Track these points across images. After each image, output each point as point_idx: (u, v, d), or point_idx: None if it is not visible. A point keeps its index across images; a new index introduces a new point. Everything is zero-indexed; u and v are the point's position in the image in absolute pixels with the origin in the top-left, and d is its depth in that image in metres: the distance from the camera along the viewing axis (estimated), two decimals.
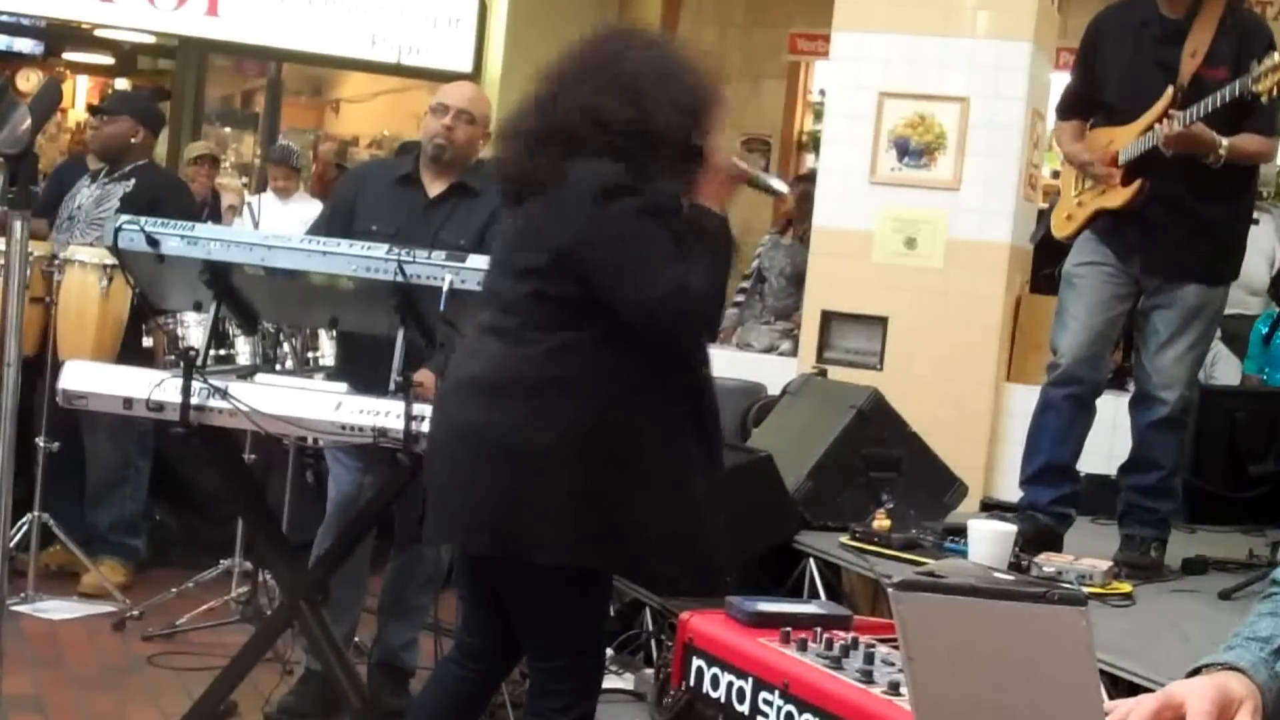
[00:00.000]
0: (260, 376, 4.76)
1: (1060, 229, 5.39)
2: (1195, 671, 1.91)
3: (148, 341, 5.97)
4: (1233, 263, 5.19)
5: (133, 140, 6.70)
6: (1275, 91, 4.72)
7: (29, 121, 3.06)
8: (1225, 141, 4.83)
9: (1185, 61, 5.00)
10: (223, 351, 5.11)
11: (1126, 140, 5.09)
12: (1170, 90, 4.97)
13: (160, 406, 4.52)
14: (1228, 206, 5.09)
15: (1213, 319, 5.16)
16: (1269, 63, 4.73)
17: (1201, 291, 5.06)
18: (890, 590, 1.64)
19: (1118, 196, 5.10)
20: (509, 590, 3.68)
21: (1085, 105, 5.39)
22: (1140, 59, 5.13)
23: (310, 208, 8.68)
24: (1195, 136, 4.84)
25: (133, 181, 6.58)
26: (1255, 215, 7.77)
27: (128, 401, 4.60)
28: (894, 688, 2.83)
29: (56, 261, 6.14)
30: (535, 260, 3.55)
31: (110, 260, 5.77)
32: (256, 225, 7.72)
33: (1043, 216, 7.28)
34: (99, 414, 5.27)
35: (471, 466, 3.54)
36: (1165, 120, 4.93)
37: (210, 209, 9.16)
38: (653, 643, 4.82)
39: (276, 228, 7.89)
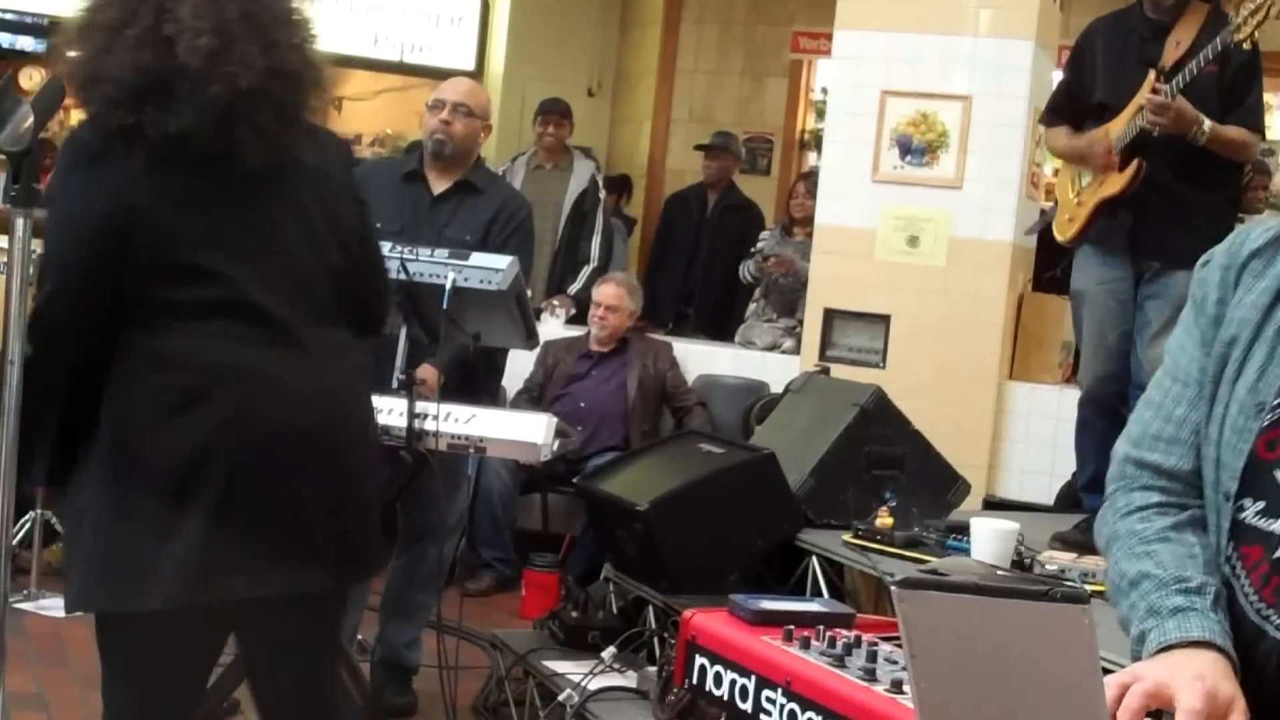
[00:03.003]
0: None
1: (1063, 231, 5.44)
2: (1164, 648, 1.92)
3: None
4: None
5: None
6: (1256, 35, 4.82)
7: (32, 119, 3.04)
8: (1208, 121, 4.95)
9: (1169, 50, 5.13)
10: None
11: (1118, 128, 5.18)
12: (1153, 73, 5.09)
13: None
14: (1215, 194, 5.17)
15: None
16: (1245, 10, 4.79)
17: (1190, 277, 5.07)
18: (893, 588, 1.64)
19: (1117, 182, 5.18)
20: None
21: (1072, 111, 5.47)
22: (1127, 57, 5.26)
23: None
24: (1178, 110, 4.94)
25: None
26: (1263, 213, 7.82)
27: None
28: (897, 686, 2.83)
29: None
30: None
31: None
32: None
33: (1043, 213, 7.31)
34: None
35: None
36: (1149, 95, 5.02)
37: None
38: (655, 641, 4.79)
39: None
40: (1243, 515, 2.00)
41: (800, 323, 7.68)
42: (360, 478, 3.11)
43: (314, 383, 3.01)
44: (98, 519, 2.93)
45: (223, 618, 3.08)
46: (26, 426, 2.99)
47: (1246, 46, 4.92)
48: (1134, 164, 5.11)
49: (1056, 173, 5.97)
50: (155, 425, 2.89)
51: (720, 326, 9.11)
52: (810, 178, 8.53)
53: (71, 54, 2.95)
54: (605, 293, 7.39)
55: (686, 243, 9.40)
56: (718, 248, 9.34)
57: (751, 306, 8.43)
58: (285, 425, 2.94)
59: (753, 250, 8.54)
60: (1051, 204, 6.24)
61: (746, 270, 8.49)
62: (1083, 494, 5.51)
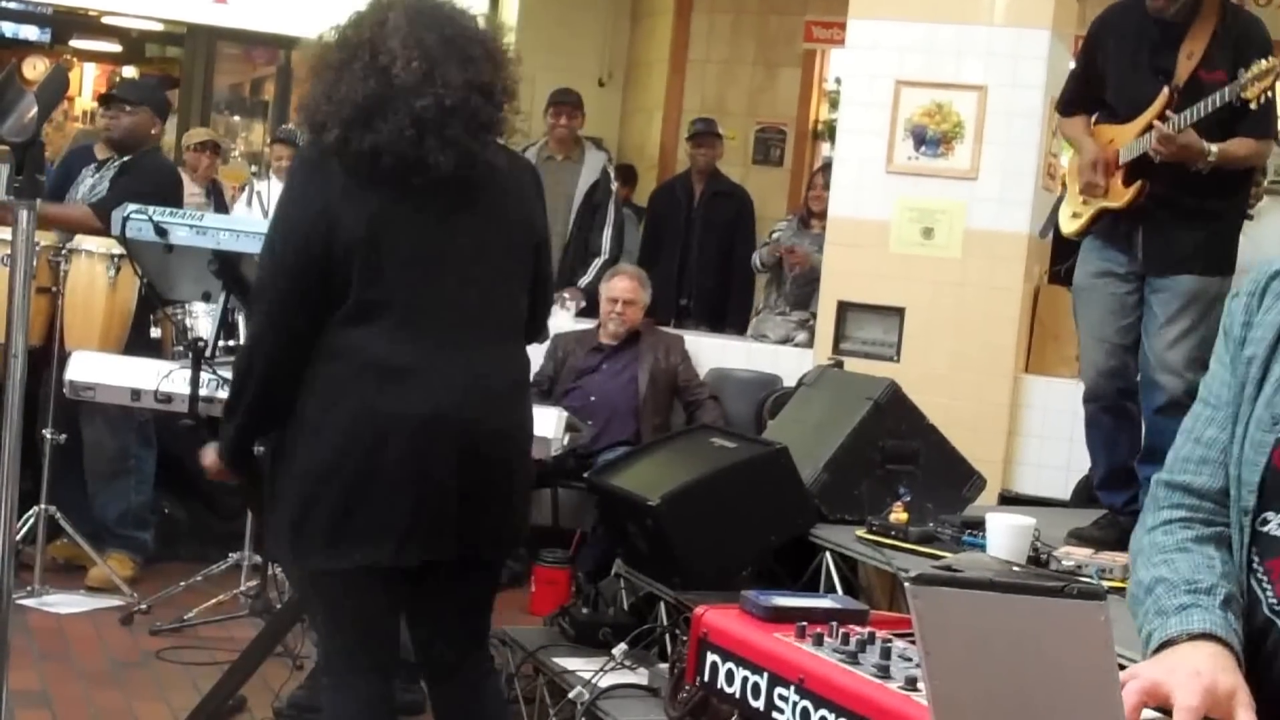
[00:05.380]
0: None
1: (1068, 226, 5.45)
2: (1165, 644, 1.93)
3: (156, 332, 5.94)
4: (1228, 255, 5.22)
5: (153, 132, 6.73)
6: (1264, 98, 4.82)
7: (36, 109, 3.02)
8: (1215, 149, 4.90)
9: (1182, 63, 5.06)
10: (231, 342, 5.09)
11: (1126, 139, 5.16)
12: (1166, 91, 5.04)
13: (168, 398, 4.50)
14: (1222, 200, 5.14)
15: (1210, 306, 5.12)
16: (1256, 69, 4.84)
17: (1197, 280, 5.09)
18: (907, 584, 1.62)
19: (1120, 197, 5.16)
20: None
21: (1088, 101, 5.44)
22: (1138, 63, 5.18)
23: None
24: (1185, 145, 4.92)
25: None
26: (1266, 204, 7.75)
27: (135, 393, 4.58)
28: (911, 683, 2.79)
29: (63, 251, 6.11)
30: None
31: (118, 250, 5.76)
32: (266, 213, 7.67)
33: (1054, 208, 7.27)
34: (96, 404, 5.24)
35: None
36: (1158, 124, 4.97)
37: (215, 198, 9.11)
38: (667, 637, 4.80)
39: None
40: (1265, 528, 2.01)
41: (814, 316, 7.64)
42: (489, 471, 3.48)
43: (457, 383, 3.43)
44: (303, 491, 3.39)
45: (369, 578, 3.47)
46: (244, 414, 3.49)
47: (1253, 107, 4.88)
48: (1137, 186, 5.09)
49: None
50: (324, 411, 3.37)
51: (718, 314, 9.09)
52: (828, 170, 8.48)
53: (305, 88, 3.48)
54: (621, 287, 7.34)
55: (678, 234, 9.33)
56: (709, 236, 9.29)
57: (763, 299, 8.37)
58: (412, 417, 3.37)
59: (766, 240, 8.47)
60: (1061, 191, 6.22)
61: (759, 258, 8.43)
62: (1098, 492, 5.48)
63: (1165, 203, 5.06)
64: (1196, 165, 4.92)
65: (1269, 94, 4.88)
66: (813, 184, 8.64)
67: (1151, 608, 2.01)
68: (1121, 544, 5.01)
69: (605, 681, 4.56)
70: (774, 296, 8.25)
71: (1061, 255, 6.71)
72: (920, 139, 7.11)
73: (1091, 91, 5.39)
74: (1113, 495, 5.34)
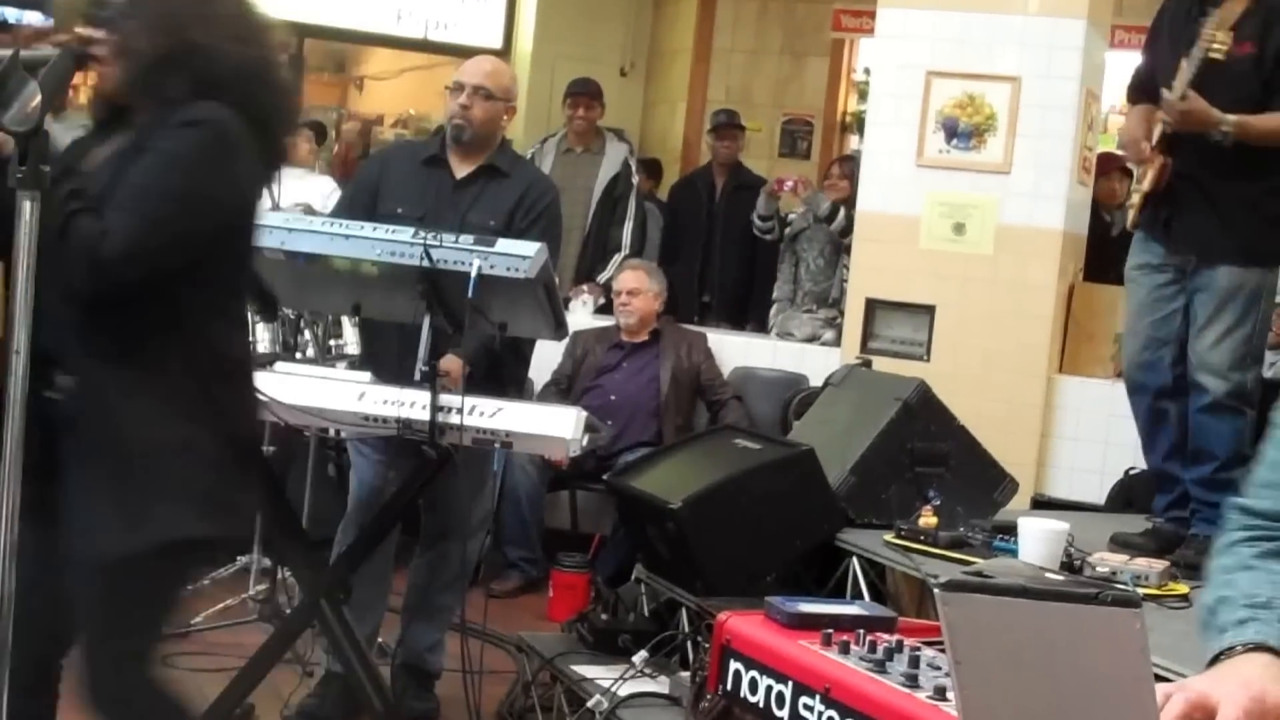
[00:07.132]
0: (280, 365, 4.76)
1: (1130, 220, 5.37)
2: (1219, 655, 1.92)
3: None
4: (1269, 246, 5.10)
5: None
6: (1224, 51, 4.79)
7: (39, 98, 2.95)
8: (1232, 118, 4.80)
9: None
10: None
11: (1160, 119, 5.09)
12: (1185, 62, 4.95)
13: None
14: (1258, 184, 5.01)
15: (1252, 301, 5.06)
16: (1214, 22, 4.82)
17: (1235, 273, 5.01)
18: (937, 591, 1.61)
19: (1148, 179, 5.10)
20: None
21: (1150, 90, 5.33)
22: (1175, 39, 5.12)
23: (326, 183, 8.51)
24: (1186, 110, 4.83)
25: None
26: None
27: None
28: (940, 693, 2.82)
29: None
30: None
31: None
32: (276, 205, 7.59)
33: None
34: None
35: None
36: (1165, 92, 4.92)
37: None
38: (688, 644, 4.78)
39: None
40: None
41: (841, 313, 7.61)
42: None
43: None
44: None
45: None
46: None
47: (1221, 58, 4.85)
48: (1158, 164, 5.04)
49: None
50: None
51: (740, 310, 9.04)
52: (846, 161, 8.52)
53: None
54: (624, 279, 7.39)
55: (699, 229, 9.25)
56: (731, 230, 9.17)
57: (780, 290, 8.27)
58: None
59: (786, 223, 8.37)
60: None
61: (756, 215, 8.31)
62: (1163, 466, 5.32)
63: (1193, 185, 4.99)
64: (1213, 136, 4.82)
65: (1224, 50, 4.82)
66: (828, 174, 8.57)
67: (1213, 627, 1.99)
68: (1161, 553, 4.92)
69: (625, 690, 4.53)
70: (798, 294, 8.16)
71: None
72: (952, 131, 7.07)
73: (1152, 79, 5.31)
74: (1154, 499, 5.30)
